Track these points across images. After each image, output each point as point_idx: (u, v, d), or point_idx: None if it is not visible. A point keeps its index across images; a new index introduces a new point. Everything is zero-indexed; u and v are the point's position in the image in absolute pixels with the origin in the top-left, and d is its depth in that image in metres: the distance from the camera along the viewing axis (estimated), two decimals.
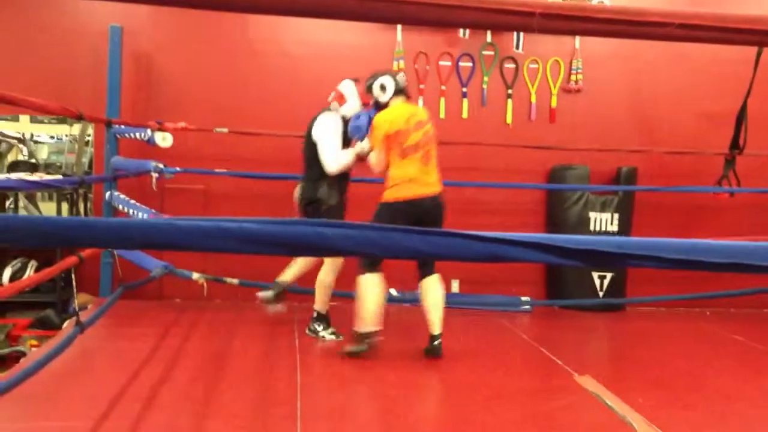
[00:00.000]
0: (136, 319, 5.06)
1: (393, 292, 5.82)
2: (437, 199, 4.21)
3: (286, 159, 5.81)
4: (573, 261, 1.12)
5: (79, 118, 3.89)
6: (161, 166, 5.23)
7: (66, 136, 6.32)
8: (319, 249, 1.09)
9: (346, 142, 4.44)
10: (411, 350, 4.53)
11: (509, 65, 6.16)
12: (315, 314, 4.69)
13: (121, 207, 5.18)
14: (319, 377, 3.85)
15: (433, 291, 4.21)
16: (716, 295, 5.93)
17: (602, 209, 6.00)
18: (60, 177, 5.38)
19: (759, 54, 5.20)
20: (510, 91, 6.14)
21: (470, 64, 6.11)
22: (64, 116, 4.63)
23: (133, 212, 5.00)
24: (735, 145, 5.48)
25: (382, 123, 4.18)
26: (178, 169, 5.42)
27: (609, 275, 5.99)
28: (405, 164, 4.14)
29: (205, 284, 5.26)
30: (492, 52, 6.12)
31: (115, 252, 5.32)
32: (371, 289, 4.10)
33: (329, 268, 4.57)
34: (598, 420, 3.40)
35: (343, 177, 4.52)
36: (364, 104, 4.46)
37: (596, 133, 6.20)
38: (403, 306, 5.81)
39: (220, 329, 4.84)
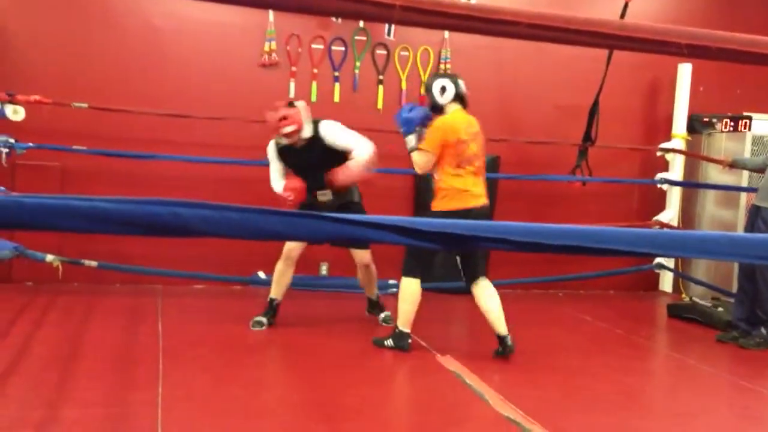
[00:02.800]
0: None
1: (261, 275, 5.78)
2: (486, 209, 4.24)
3: (150, 137, 5.61)
4: (429, 243, 1.18)
5: None
6: (11, 140, 4.92)
7: None
8: (174, 229, 1.07)
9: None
10: (277, 335, 4.53)
11: (381, 51, 6.24)
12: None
13: None
14: (181, 363, 3.77)
15: (485, 296, 4.20)
16: (568, 277, 6.33)
17: None
18: None
19: (610, 54, 5.60)
20: (381, 77, 6.22)
21: (343, 49, 6.13)
22: None
23: None
24: (587, 137, 5.87)
25: (445, 128, 4.06)
26: (30, 144, 5.10)
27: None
28: (459, 175, 4.07)
29: (60, 267, 4.99)
30: (364, 38, 6.17)
31: None
32: (408, 293, 4.24)
33: (281, 258, 4.64)
34: (457, 397, 3.56)
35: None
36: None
37: None
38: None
39: (77, 314, 4.62)
